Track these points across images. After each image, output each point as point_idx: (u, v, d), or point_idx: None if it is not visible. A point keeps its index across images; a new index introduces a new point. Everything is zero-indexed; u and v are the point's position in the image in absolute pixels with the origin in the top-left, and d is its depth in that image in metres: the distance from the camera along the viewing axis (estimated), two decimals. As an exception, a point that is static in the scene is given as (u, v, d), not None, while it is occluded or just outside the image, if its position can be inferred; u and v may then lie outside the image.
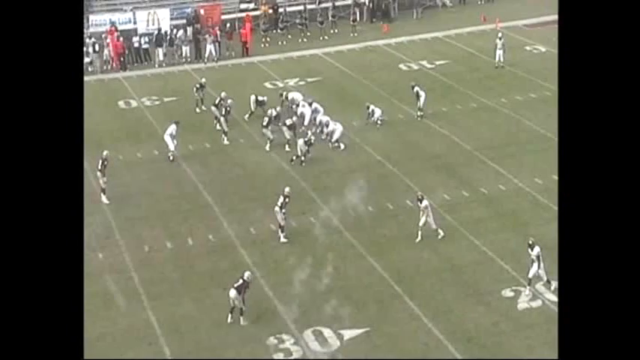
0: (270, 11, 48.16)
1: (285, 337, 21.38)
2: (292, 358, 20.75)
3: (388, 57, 43.74)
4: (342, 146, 32.23)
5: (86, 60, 41.17)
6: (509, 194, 28.46)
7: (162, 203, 28.65)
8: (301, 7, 48.25)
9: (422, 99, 34.81)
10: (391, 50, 44.84)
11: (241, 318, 21.90)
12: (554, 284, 22.49)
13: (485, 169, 30.41)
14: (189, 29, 45.03)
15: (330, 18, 48.17)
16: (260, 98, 35.50)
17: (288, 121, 32.45)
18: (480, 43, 44.55)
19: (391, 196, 28.43)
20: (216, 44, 43.87)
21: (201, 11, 46.96)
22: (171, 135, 31.56)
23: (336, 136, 32.38)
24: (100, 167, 28.39)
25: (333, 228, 26.31)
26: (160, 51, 43.38)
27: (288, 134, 32.24)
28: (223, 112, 33.72)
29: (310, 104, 34.43)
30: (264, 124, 32.45)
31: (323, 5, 49.24)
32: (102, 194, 28.60)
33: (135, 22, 45.81)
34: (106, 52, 43.22)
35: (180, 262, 25.06)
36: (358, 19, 48.90)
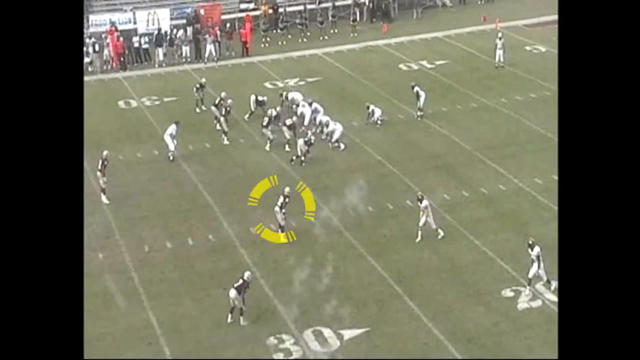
0: (270, 11, 48.14)
1: (285, 337, 21.37)
2: (292, 358, 20.74)
3: (388, 57, 43.73)
4: (342, 146, 32.22)
5: (86, 60, 41.17)
6: (509, 194, 28.46)
7: (163, 203, 28.65)
8: (301, 7, 48.25)
9: (422, 99, 34.80)
10: (391, 50, 44.83)
11: (241, 318, 21.90)
12: (554, 284, 22.49)
13: (485, 169, 30.40)
14: (189, 29, 45.03)
15: (330, 18, 48.15)
16: (260, 98, 35.50)
17: (288, 121, 32.44)
18: (480, 43, 44.55)
19: (391, 196, 28.42)
20: (216, 44, 43.86)
21: (201, 11, 46.94)
22: (171, 135, 31.56)
23: (336, 136, 32.37)
24: (100, 167, 28.39)
25: (333, 228, 26.31)
26: (160, 51, 43.36)
27: (288, 134, 32.23)
28: (223, 112, 33.71)
29: (310, 104, 34.43)
30: (264, 124, 32.44)
31: (323, 5, 49.22)
32: (102, 194, 28.60)
33: (135, 22, 45.79)
34: (106, 52, 43.21)
35: (180, 262, 25.05)
36: (358, 19, 48.89)
